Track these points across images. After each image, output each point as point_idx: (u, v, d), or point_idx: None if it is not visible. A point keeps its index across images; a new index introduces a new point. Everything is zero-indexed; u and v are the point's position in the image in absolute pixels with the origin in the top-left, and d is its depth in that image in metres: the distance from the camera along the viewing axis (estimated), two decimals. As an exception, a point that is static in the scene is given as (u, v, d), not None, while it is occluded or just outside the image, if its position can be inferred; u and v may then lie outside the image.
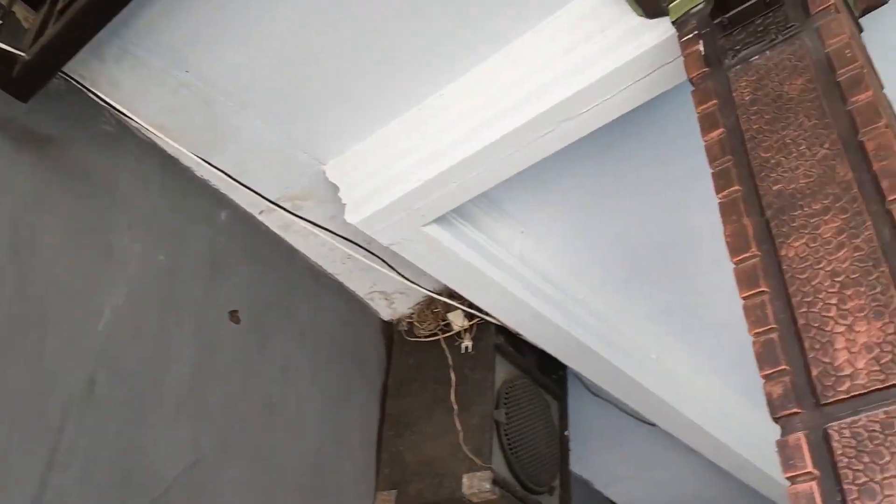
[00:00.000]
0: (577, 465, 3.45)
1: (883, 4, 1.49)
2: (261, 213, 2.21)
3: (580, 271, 2.40)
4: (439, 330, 2.45)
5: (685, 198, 2.09)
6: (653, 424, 2.93)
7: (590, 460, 3.45)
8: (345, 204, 2.03)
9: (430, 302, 2.49)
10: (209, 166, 2.01)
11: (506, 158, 1.80)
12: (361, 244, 2.27)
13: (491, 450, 2.19)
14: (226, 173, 2.03)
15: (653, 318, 2.61)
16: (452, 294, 2.35)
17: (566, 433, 2.59)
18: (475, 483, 2.13)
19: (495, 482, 2.13)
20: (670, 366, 2.72)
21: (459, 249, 2.09)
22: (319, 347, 2.34)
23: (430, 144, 1.86)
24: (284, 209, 2.14)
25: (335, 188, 2.05)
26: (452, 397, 2.30)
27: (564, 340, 2.44)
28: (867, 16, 1.53)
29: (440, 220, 2.03)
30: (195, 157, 1.99)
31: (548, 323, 2.35)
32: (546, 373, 2.59)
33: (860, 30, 1.43)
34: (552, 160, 2.02)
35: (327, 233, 2.21)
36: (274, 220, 2.24)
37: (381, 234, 2.04)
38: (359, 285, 2.52)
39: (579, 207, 2.22)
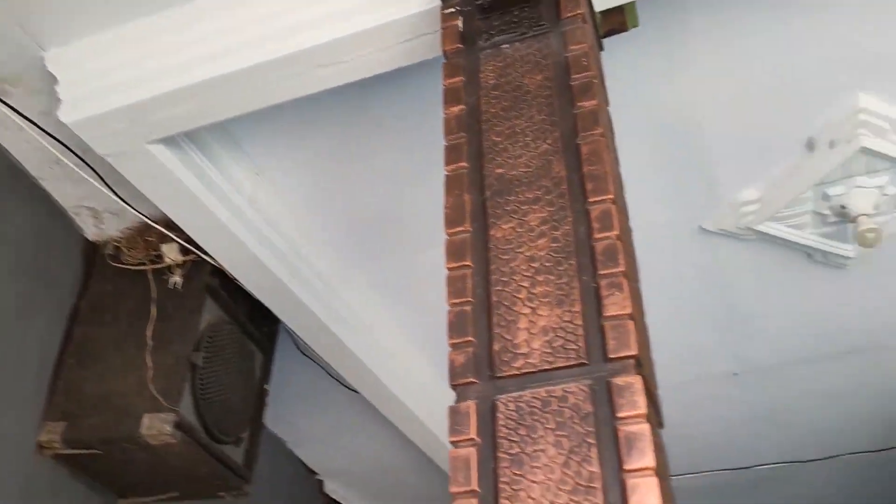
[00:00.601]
0: (273, 423, 3.43)
1: (623, 31, 1.62)
2: (-44, 88, 1.91)
3: (310, 227, 2.36)
4: (149, 260, 2.28)
5: (422, 175, 2.13)
6: (356, 391, 2.98)
7: (287, 419, 3.43)
8: (61, 100, 1.80)
9: (144, 229, 2.31)
10: None
11: (251, 91, 1.70)
12: (75, 150, 2.04)
13: (180, 392, 2.08)
14: (-83, 32, 1.72)
15: (373, 287, 2.64)
16: (170, 224, 2.19)
17: (266, 387, 2.54)
18: (156, 424, 2.01)
19: (178, 426, 2.03)
20: (382, 336, 2.78)
21: (185, 177, 1.96)
22: (2, 255, 2.07)
23: (171, 56, 1.71)
24: (-14, 90, 1.86)
25: (53, 80, 1.81)
26: (149, 333, 2.15)
27: (281, 294, 2.38)
28: (611, 40, 1.67)
29: (168, 140, 1.88)
30: None
31: (267, 273, 2.28)
32: (257, 324, 2.53)
33: (601, 48, 1.54)
34: (301, 108, 1.96)
35: (35, 128, 1.95)
36: (-29, 102, 1.94)
37: (99, 142, 1.85)
38: (65, 196, 2.26)
39: (320, 162, 2.18)
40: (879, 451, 3.62)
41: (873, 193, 2.13)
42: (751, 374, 3.06)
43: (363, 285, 2.61)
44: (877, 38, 1.80)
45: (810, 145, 2.04)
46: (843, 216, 2.19)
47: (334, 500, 3.99)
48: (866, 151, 2.00)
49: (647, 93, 1.91)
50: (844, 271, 2.48)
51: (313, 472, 3.85)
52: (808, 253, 2.39)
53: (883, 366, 3.05)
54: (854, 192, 2.14)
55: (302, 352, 2.88)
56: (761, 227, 2.27)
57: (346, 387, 2.97)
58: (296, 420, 3.43)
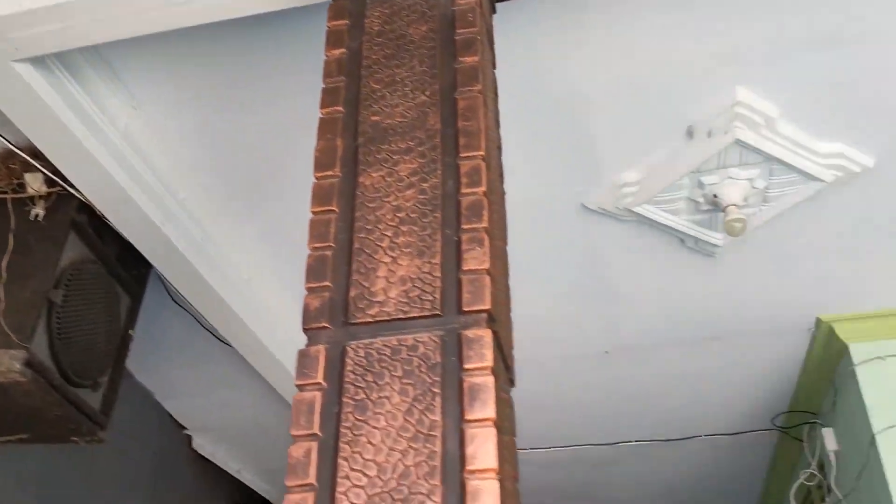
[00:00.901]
0: (140, 373, 3.32)
1: (518, -3, 1.62)
2: None
3: (189, 170, 2.28)
4: (10, 189, 2.15)
5: (311, 124, 2.07)
6: (228, 344, 2.91)
7: (156, 370, 3.33)
8: (-83, 7, 1.65)
9: (7, 155, 2.16)
10: None
11: (124, 15, 1.60)
12: (-68, 63, 1.88)
13: (34, 330, 1.98)
14: None
15: (254, 238, 2.57)
16: (36, 153, 2.06)
17: (131, 332, 2.45)
18: (4, 361, 1.91)
19: (29, 364, 1.93)
20: (258, 289, 2.72)
21: (53, 102, 1.84)
22: None
23: (42, -31, 1.60)
24: None
25: None
26: (3, 265, 2.03)
27: (154, 238, 2.29)
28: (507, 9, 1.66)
29: (38, 61, 1.76)
30: None
31: (139, 213, 2.19)
32: (126, 266, 2.42)
33: (493, 10, 1.54)
34: (185, 41, 1.88)
35: None
36: None
37: (-41, 56, 1.71)
38: (-80, 114, 2.09)
39: (204, 102, 2.09)
40: (735, 434, 3.83)
41: (744, 185, 2.23)
42: (622, 353, 3.17)
43: (243, 235, 2.54)
44: (757, 36, 1.87)
45: (690, 133, 2.11)
46: (715, 205, 2.28)
47: (202, 456, 3.91)
48: (740, 144, 2.08)
49: (539, 65, 1.92)
50: (713, 259, 2.59)
51: (182, 427, 3.76)
52: (682, 238, 2.48)
53: (743, 354, 3.22)
54: (726, 183, 2.23)
55: (174, 300, 2.79)
56: (639, 210, 2.33)
57: (218, 339, 2.90)
58: (165, 371, 3.33)
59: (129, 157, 2.09)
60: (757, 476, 4.29)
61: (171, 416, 3.65)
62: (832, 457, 3.17)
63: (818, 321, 2.95)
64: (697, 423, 3.78)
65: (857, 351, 2.90)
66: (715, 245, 2.48)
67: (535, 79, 1.96)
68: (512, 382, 1.18)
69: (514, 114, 2.03)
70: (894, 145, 2.14)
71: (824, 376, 3.17)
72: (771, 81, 1.99)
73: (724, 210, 2.24)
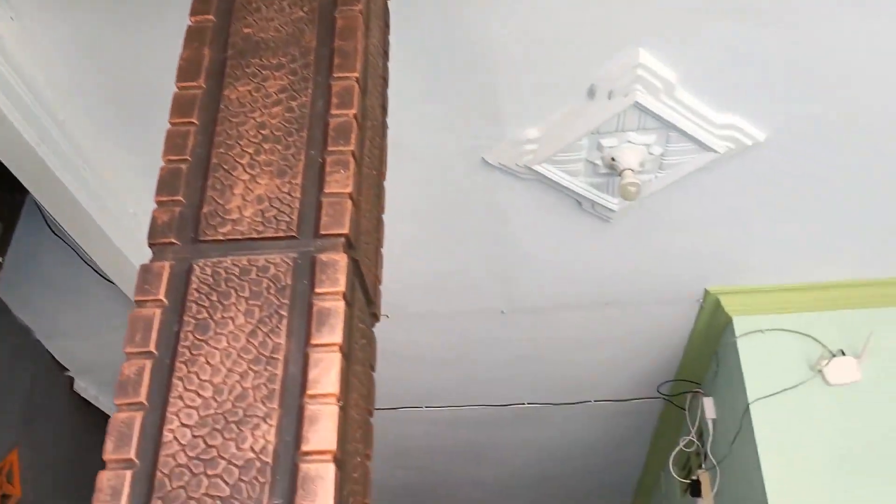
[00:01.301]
0: (21, 310, 3.17)
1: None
2: None
3: (71, 91, 2.14)
4: None
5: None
6: (111, 282, 2.79)
7: (36, 307, 3.18)
8: None
9: None
10: None
11: None
12: None
13: None
14: None
15: (141, 169, 2.45)
16: None
17: (0, 259, 2.30)
18: None
19: None
20: (145, 225, 2.58)
21: (-88, 0, 1.69)
22: None
23: None
24: None
25: None
26: None
27: (30, 161, 2.15)
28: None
29: None
30: None
31: (13, 133, 2.04)
32: (-2, 190, 2.28)
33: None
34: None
35: None
36: None
37: None
38: None
39: (90, 17, 1.96)
40: (623, 400, 3.94)
41: (641, 150, 2.25)
42: (517, 313, 3.19)
43: (128, 166, 2.41)
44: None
45: (591, 93, 2.11)
46: (612, 168, 2.29)
47: (84, 400, 3.75)
48: (639, 108, 2.09)
49: (443, 7, 1.87)
50: (609, 224, 2.61)
51: (63, 368, 3.59)
52: (579, 201, 2.49)
53: (635, 321, 3.29)
54: (624, 147, 2.24)
55: (53, 231, 2.64)
56: (538, 168, 2.33)
57: (102, 276, 2.77)
58: (45, 309, 3.17)
59: (3, 72, 1.95)
60: (643, 442, 4.43)
61: (51, 355, 3.48)
62: (710, 425, 3.29)
63: (706, 293, 3.03)
64: (588, 388, 3.86)
65: (740, 323, 3.01)
66: (611, 210, 2.50)
67: (436, 22, 1.91)
68: (376, 317, 1.15)
69: (414, 59, 1.99)
70: (785, 122, 2.19)
71: (709, 347, 3.27)
72: (674, 47, 1.99)
73: (620, 174, 2.25)
